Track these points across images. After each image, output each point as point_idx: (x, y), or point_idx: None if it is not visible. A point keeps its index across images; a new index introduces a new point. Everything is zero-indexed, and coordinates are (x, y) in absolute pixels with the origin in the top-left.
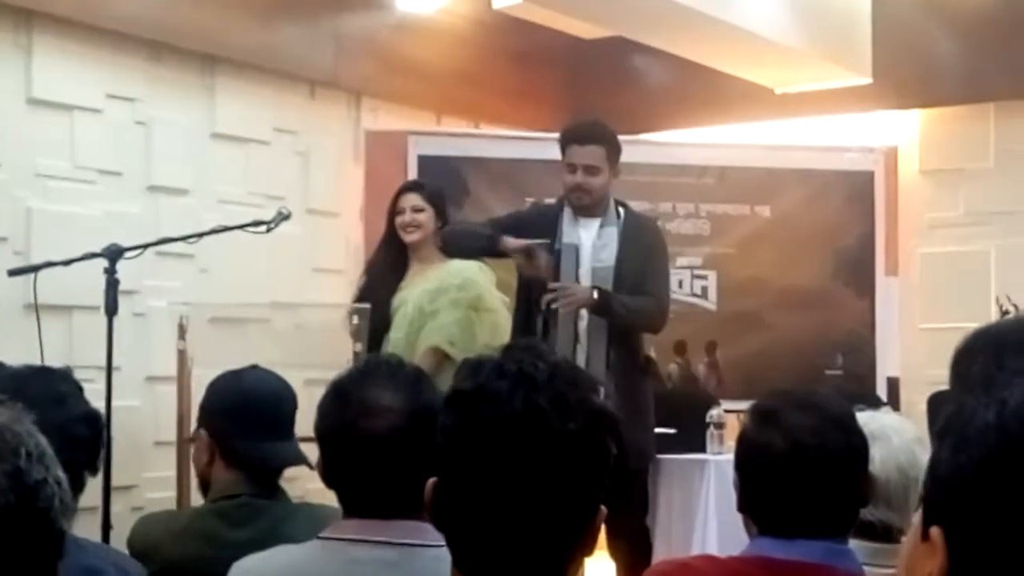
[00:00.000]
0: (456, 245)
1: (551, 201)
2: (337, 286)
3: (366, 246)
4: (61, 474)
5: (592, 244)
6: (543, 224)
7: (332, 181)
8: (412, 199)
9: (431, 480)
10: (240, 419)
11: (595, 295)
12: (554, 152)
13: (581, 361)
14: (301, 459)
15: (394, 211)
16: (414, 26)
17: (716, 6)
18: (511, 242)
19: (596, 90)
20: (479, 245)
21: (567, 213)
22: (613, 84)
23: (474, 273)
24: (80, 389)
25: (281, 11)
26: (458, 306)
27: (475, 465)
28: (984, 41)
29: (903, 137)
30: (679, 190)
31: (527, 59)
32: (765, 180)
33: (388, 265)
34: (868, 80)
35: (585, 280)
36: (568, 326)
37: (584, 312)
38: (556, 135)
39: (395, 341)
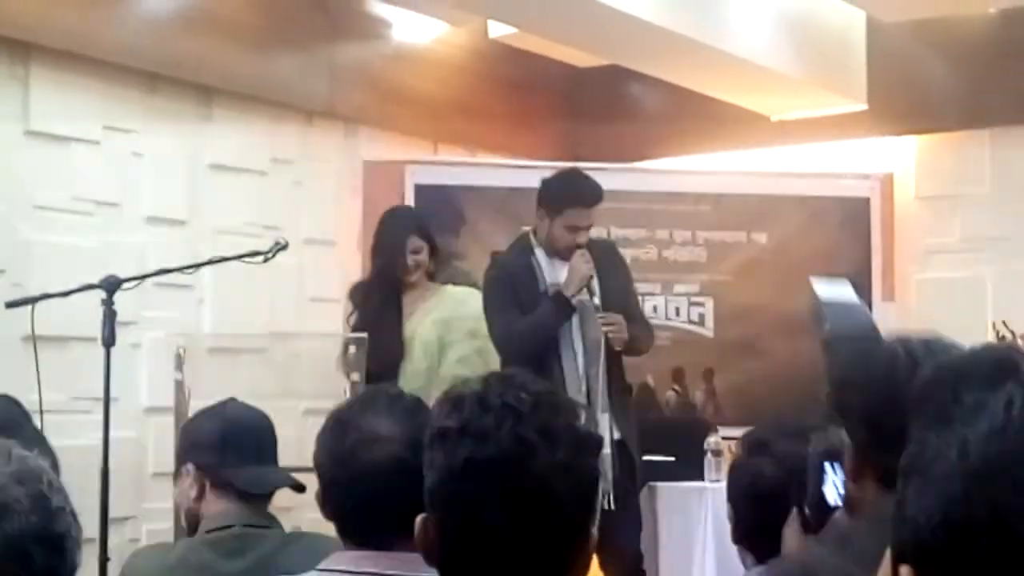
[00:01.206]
0: (530, 343)
1: (500, 253)
2: (334, 315)
3: (363, 276)
4: (75, 510)
5: (580, 309)
6: (525, 276)
7: (329, 211)
8: (414, 242)
9: (420, 517)
10: (229, 447)
11: None
12: None
13: (580, 383)
14: (291, 481)
15: (393, 248)
16: (410, 55)
17: (711, 34)
18: (571, 289)
19: (592, 118)
20: (556, 323)
21: (540, 255)
22: (609, 112)
23: (479, 303)
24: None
25: (277, 41)
26: (476, 336)
27: (465, 502)
28: (980, 67)
29: (899, 163)
30: (675, 217)
31: (523, 88)
32: (761, 207)
33: (383, 297)
34: (863, 107)
35: (579, 346)
36: (568, 344)
37: (575, 330)
38: (552, 163)
39: (415, 372)
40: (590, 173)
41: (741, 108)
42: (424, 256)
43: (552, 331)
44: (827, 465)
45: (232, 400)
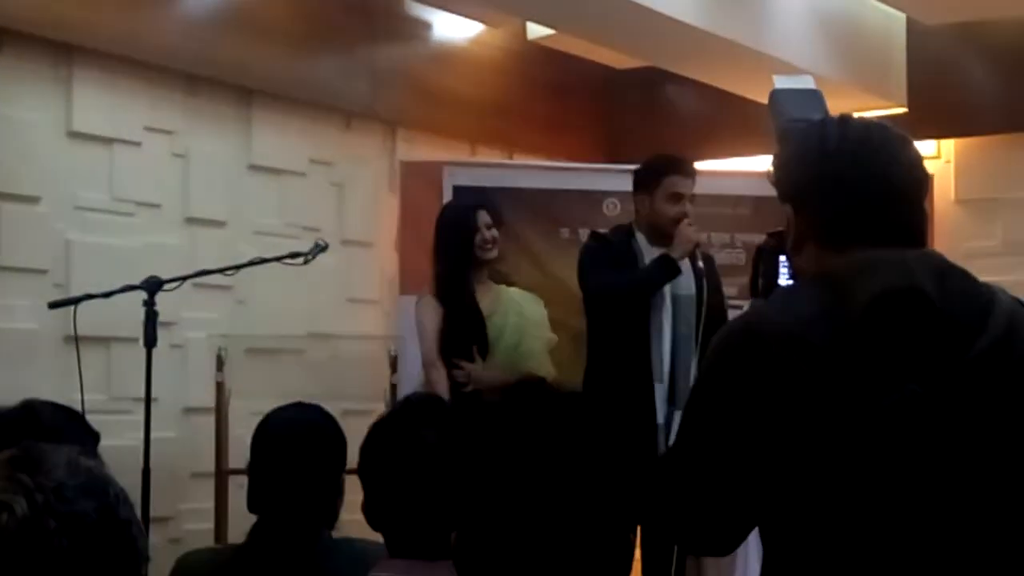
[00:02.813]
0: (627, 298)
1: (601, 231)
2: (372, 317)
3: (401, 276)
4: (139, 521)
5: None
6: (625, 253)
7: (367, 212)
8: (484, 217)
9: (454, 533)
10: (255, 456)
11: None
12: (586, 182)
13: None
14: (295, 510)
15: (464, 227)
16: (448, 57)
17: (750, 36)
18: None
19: (630, 120)
20: (660, 280)
21: (641, 240)
22: (647, 114)
23: (540, 305)
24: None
25: (316, 43)
26: (544, 347)
27: (494, 517)
28: (1020, 70)
29: (939, 166)
30: (714, 220)
31: (561, 89)
32: None
33: (465, 286)
34: (903, 109)
35: (668, 308)
36: (659, 313)
37: (667, 292)
38: (589, 165)
39: (506, 347)
40: (627, 175)
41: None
42: (493, 232)
43: (654, 288)
44: (781, 257)
45: (293, 405)
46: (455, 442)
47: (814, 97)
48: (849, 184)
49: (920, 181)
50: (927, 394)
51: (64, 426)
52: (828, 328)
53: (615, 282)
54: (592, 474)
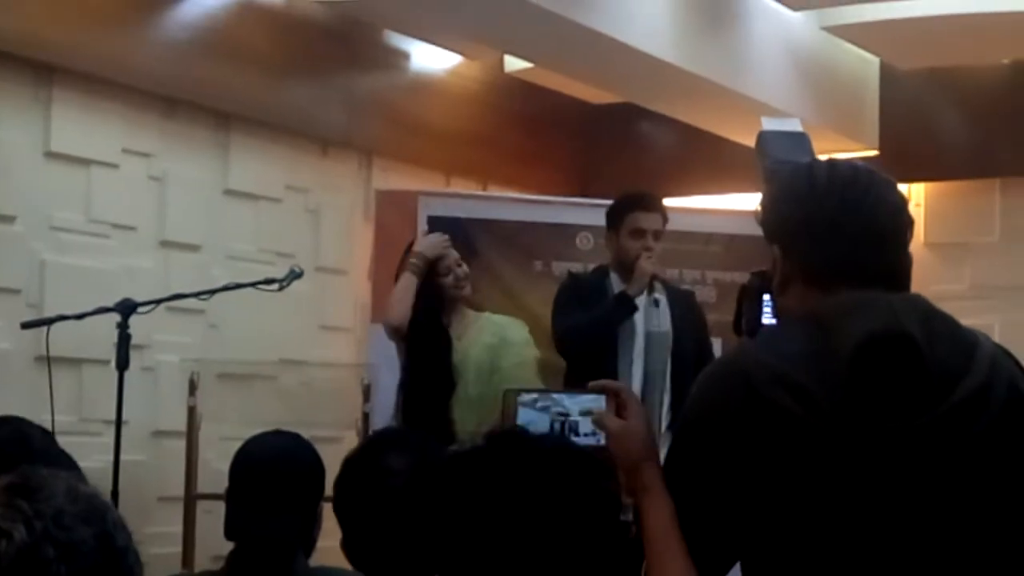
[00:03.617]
0: (589, 338)
1: (571, 265)
2: (344, 344)
3: (373, 304)
4: (136, 548)
5: (644, 310)
6: (596, 293)
7: (342, 239)
8: (454, 255)
9: None
10: (232, 483)
11: None
12: (560, 215)
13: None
14: (272, 537)
15: (434, 266)
16: (425, 87)
17: (725, 75)
18: (633, 287)
19: (604, 155)
20: (617, 318)
21: (614, 279)
22: (621, 149)
23: (524, 330)
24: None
25: (295, 70)
26: (524, 366)
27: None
28: (991, 117)
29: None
30: (685, 257)
31: (536, 123)
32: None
33: (428, 322)
34: (875, 152)
35: (639, 344)
36: (628, 345)
37: (640, 329)
38: (563, 198)
39: (468, 400)
40: (601, 209)
41: (754, 149)
42: (462, 270)
43: (610, 327)
44: (765, 296)
45: (272, 432)
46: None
47: (801, 140)
48: (837, 226)
49: (905, 224)
50: (911, 436)
51: (51, 450)
52: (814, 368)
53: (575, 323)
54: (573, 518)
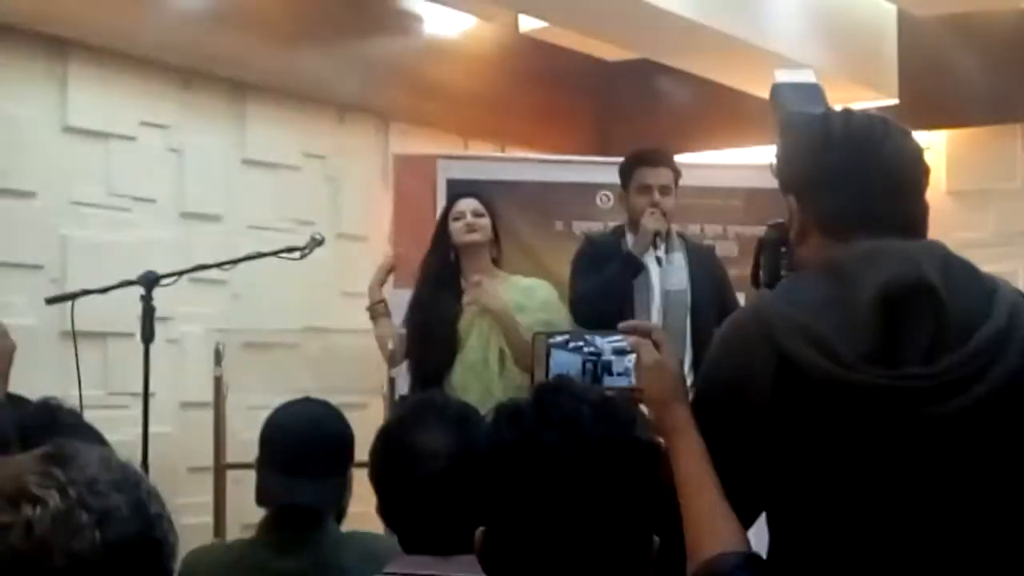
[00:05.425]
0: (601, 302)
1: (592, 225)
2: (367, 310)
3: (395, 269)
4: (170, 516)
5: (662, 268)
6: (609, 254)
7: (361, 205)
8: (472, 204)
9: (479, 529)
10: (263, 450)
11: None
12: (579, 174)
13: None
14: (301, 500)
15: (447, 217)
16: (440, 50)
17: (741, 27)
18: (638, 245)
19: (622, 112)
20: (623, 279)
21: (630, 239)
22: (639, 106)
23: (548, 292)
24: None
25: (309, 37)
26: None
27: (525, 514)
28: (1011, 62)
29: (930, 157)
30: (706, 212)
31: (553, 82)
32: None
33: (439, 280)
34: (894, 101)
35: (657, 303)
36: (644, 303)
37: (656, 289)
38: (582, 157)
39: (472, 362)
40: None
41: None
42: (485, 223)
43: (618, 288)
44: (781, 248)
45: (306, 400)
46: (471, 442)
47: (815, 91)
48: (853, 176)
49: (921, 173)
50: (933, 383)
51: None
52: (835, 316)
53: (584, 290)
54: (618, 472)
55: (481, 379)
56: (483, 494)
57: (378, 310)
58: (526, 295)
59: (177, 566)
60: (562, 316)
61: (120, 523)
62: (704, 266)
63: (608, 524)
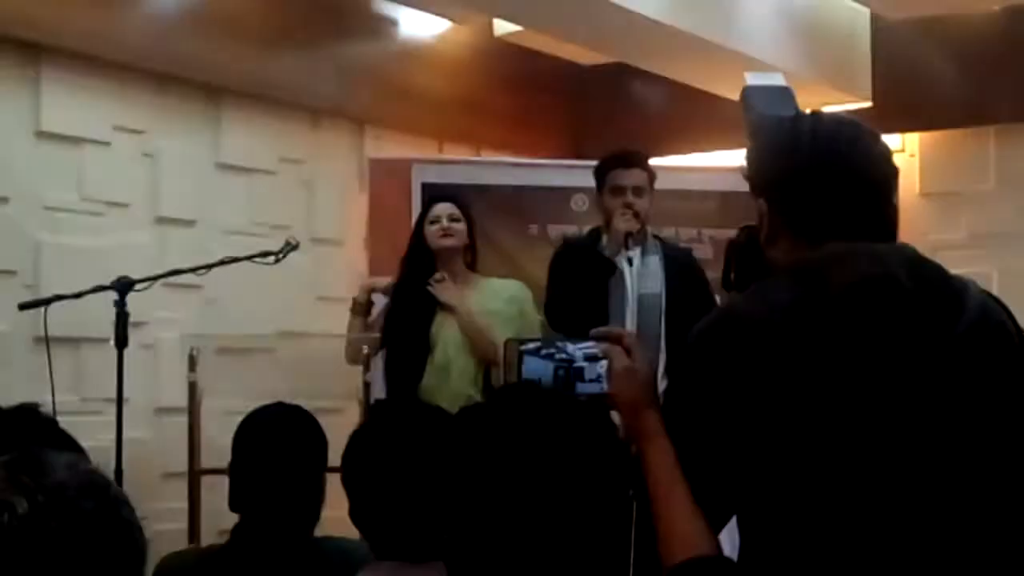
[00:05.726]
0: (573, 307)
1: (567, 228)
2: (342, 315)
3: (370, 274)
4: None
5: (636, 271)
6: (587, 256)
7: (336, 210)
8: (448, 208)
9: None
10: (236, 456)
11: None
12: (554, 178)
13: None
14: (277, 509)
15: (423, 221)
16: (415, 54)
17: (715, 31)
18: (609, 247)
19: (596, 116)
20: (594, 282)
21: (606, 239)
22: (613, 110)
23: (519, 291)
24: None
25: (284, 41)
26: (510, 323)
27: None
28: (984, 64)
29: (903, 160)
30: (681, 215)
31: (527, 86)
32: None
33: (415, 285)
34: (868, 104)
35: (630, 307)
36: (619, 307)
37: (630, 293)
38: (557, 161)
39: (442, 365)
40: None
41: None
42: (461, 227)
43: (590, 292)
44: (752, 250)
45: (274, 405)
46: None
47: (785, 94)
48: (823, 178)
49: (891, 176)
50: (904, 377)
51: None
52: (805, 315)
53: (556, 295)
54: (584, 472)
55: (450, 381)
56: (447, 498)
57: (357, 309)
58: (496, 295)
59: (150, 571)
60: (530, 308)
61: (88, 528)
62: (681, 270)
63: (572, 525)
